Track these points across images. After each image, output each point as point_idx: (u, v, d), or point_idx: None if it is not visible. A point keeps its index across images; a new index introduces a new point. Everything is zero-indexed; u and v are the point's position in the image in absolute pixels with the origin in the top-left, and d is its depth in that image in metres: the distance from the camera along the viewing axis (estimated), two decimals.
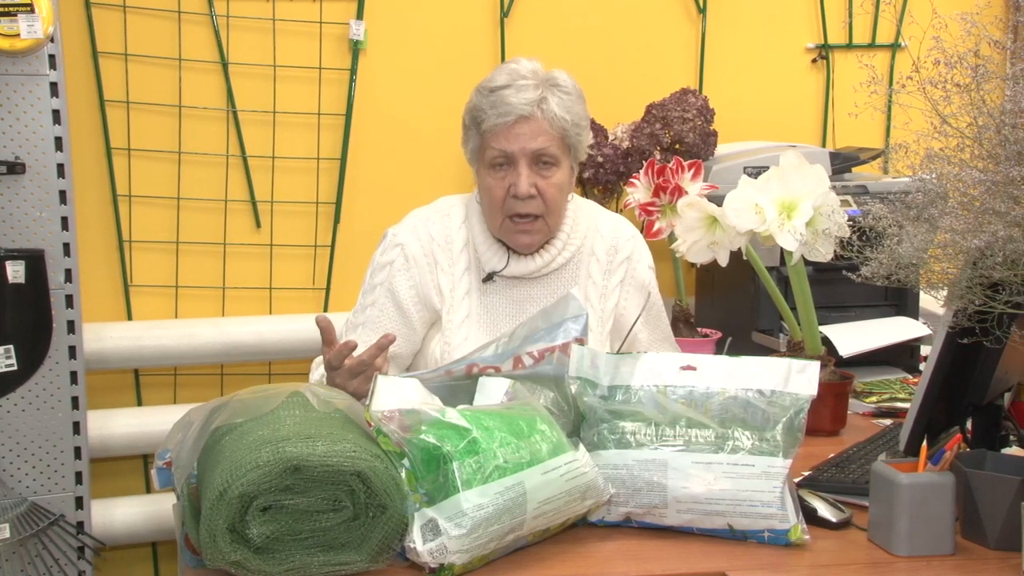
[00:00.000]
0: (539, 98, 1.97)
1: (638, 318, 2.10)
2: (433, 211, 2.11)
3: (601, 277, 2.11)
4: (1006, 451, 1.70)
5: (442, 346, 2.03)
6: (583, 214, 2.14)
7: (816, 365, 1.56)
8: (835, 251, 1.91)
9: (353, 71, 2.92)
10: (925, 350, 2.52)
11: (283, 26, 2.87)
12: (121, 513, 2.71)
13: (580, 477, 1.47)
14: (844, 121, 3.22)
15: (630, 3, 3.11)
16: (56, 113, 2.39)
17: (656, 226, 2.23)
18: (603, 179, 2.82)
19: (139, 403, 2.87)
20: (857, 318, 2.55)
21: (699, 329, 2.37)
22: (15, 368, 2.38)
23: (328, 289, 2.95)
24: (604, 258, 2.12)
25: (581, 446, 1.54)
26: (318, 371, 1.97)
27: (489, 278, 2.05)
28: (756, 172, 2.12)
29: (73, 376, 2.45)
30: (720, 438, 1.52)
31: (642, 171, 2.27)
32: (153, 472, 1.50)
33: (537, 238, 2.03)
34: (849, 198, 2.55)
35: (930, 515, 1.45)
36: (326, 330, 1.78)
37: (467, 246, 2.07)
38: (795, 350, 2.07)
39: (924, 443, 1.54)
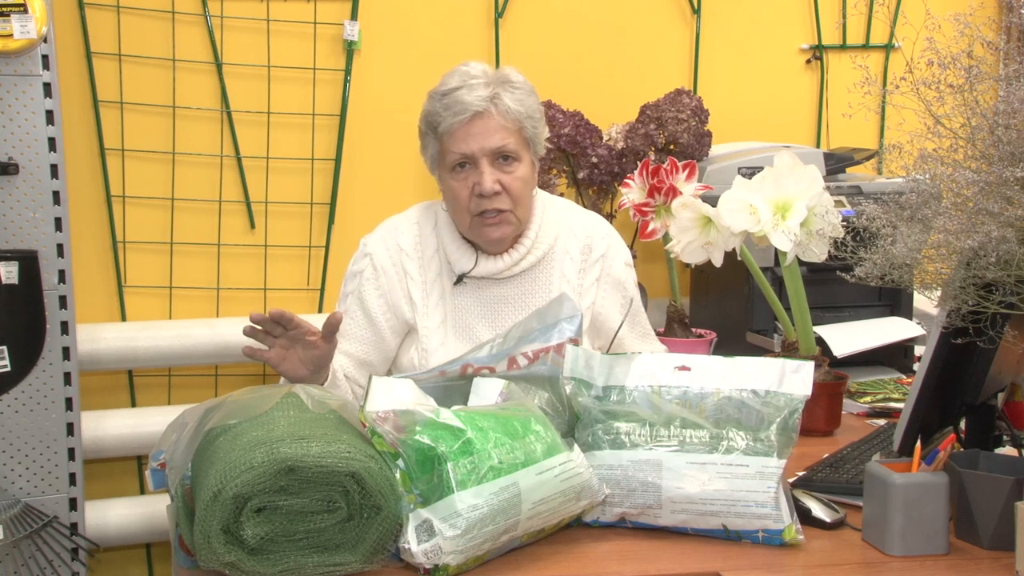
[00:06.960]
0: (492, 94, 1.96)
1: (622, 324, 2.09)
2: (403, 220, 2.10)
3: (576, 275, 2.08)
4: (999, 451, 1.70)
5: (419, 353, 2.02)
6: (554, 213, 2.11)
7: (810, 365, 1.57)
8: (829, 251, 1.91)
9: (347, 71, 2.92)
10: (919, 350, 2.52)
11: (277, 26, 2.87)
12: (115, 514, 2.70)
13: (575, 477, 1.47)
14: (838, 122, 3.22)
15: (624, 4, 3.12)
16: (49, 114, 2.39)
17: (651, 227, 2.23)
18: (597, 180, 2.82)
19: (133, 404, 2.87)
20: (851, 318, 2.55)
21: (693, 330, 2.37)
22: (8, 369, 2.37)
23: (323, 289, 2.95)
24: (578, 256, 2.09)
25: (576, 446, 1.54)
26: None
27: (459, 280, 2.03)
28: (750, 173, 2.13)
29: (67, 377, 2.45)
30: (714, 438, 1.52)
31: (637, 172, 2.27)
32: (147, 473, 1.50)
33: (507, 230, 2.00)
34: (843, 198, 2.55)
35: (924, 515, 1.45)
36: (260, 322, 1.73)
37: (438, 252, 2.06)
38: (789, 350, 2.07)
39: (918, 443, 1.54)
